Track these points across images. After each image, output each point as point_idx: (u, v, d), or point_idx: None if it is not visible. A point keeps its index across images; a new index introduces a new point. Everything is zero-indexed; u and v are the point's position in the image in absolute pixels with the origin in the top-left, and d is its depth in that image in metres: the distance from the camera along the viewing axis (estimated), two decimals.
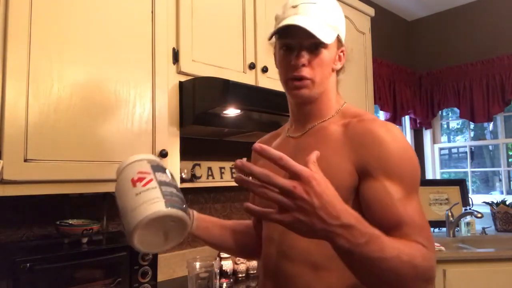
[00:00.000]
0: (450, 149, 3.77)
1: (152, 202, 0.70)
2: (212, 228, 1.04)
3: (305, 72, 0.85)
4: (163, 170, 0.78)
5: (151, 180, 0.73)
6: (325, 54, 0.86)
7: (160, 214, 0.69)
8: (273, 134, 1.10)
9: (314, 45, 0.85)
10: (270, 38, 0.88)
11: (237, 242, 1.08)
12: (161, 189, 0.72)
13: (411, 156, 0.81)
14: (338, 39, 0.90)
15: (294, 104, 0.94)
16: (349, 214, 0.61)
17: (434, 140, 3.69)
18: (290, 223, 0.58)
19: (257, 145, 0.60)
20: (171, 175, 0.82)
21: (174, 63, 1.51)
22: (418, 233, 0.75)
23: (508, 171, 3.35)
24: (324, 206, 0.58)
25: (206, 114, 1.55)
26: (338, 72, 0.94)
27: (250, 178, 0.61)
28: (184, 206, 0.74)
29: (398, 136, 0.81)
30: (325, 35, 0.83)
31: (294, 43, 0.85)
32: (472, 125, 3.63)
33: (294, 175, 0.58)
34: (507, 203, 2.89)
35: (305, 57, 0.85)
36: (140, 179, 0.74)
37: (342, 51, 0.92)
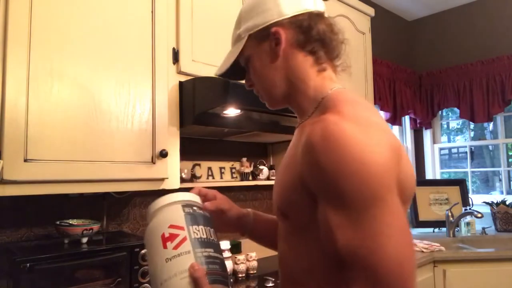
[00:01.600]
0: (450, 149, 3.77)
1: (184, 276, 0.61)
2: (266, 230, 0.96)
3: (254, 89, 0.86)
4: (199, 219, 0.68)
5: (184, 240, 0.63)
6: (251, 65, 0.82)
7: None
8: None
9: (239, 69, 0.86)
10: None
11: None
12: (196, 255, 0.63)
13: (351, 163, 0.59)
14: (258, 34, 0.79)
15: None
16: None
17: (434, 140, 3.69)
18: None
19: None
20: (210, 220, 0.71)
21: (174, 63, 1.51)
22: (356, 275, 0.58)
23: (508, 171, 3.35)
24: None
25: (206, 114, 1.55)
26: (311, 51, 0.77)
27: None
28: (223, 276, 0.65)
29: (336, 138, 0.60)
30: (223, 68, 0.86)
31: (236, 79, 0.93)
32: (472, 125, 3.63)
33: None
34: (507, 203, 2.89)
35: (246, 79, 0.88)
36: (172, 238, 0.64)
37: (274, 33, 0.77)
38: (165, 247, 0.63)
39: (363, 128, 0.62)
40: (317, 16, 0.78)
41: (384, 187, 0.60)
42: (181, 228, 0.65)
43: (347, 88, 0.78)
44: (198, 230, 0.66)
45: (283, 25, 0.76)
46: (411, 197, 0.71)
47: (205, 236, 0.66)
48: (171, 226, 0.65)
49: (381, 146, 0.62)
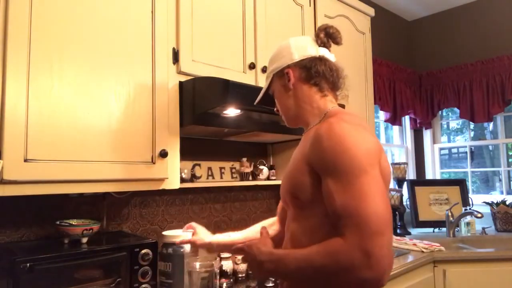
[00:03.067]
0: (450, 149, 3.77)
1: None
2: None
3: (279, 113, 1.17)
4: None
5: None
6: (276, 96, 1.14)
7: None
8: None
9: (273, 94, 1.16)
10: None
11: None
12: None
13: (346, 146, 0.87)
14: (278, 73, 1.11)
15: None
16: (265, 256, 0.94)
17: (434, 140, 3.70)
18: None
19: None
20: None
21: (174, 63, 1.51)
22: (346, 223, 0.82)
23: (508, 171, 3.35)
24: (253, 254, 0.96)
25: (206, 114, 1.55)
26: (315, 83, 1.07)
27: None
28: None
29: (336, 131, 0.89)
30: (260, 96, 1.19)
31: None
32: (472, 125, 3.63)
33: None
34: (507, 203, 2.89)
35: (275, 106, 1.18)
36: None
37: (286, 73, 1.08)
38: None
39: (356, 127, 0.92)
40: (318, 59, 1.07)
41: (368, 164, 0.86)
42: None
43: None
44: None
45: (292, 67, 1.08)
46: (388, 185, 1.01)
47: None
48: None
49: (367, 139, 0.92)
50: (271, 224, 1.32)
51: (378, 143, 0.94)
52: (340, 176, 0.86)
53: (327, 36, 1.09)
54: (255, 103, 1.20)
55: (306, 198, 0.96)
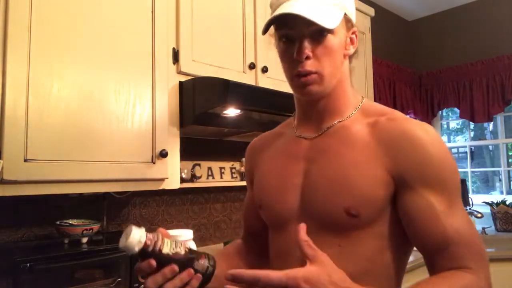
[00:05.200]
0: (450, 149, 3.77)
1: None
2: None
3: (311, 65, 0.73)
4: None
5: None
6: (331, 40, 0.73)
7: None
8: (274, 133, 0.95)
9: (318, 32, 0.72)
10: (264, 32, 0.76)
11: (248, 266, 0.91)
12: None
13: (451, 160, 0.72)
14: (347, 19, 0.76)
15: (304, 100, 0.82)
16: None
17: None
18: None
19: (229, 273, 0.61)
20: None
21: (174, 63, 1.51)
22: (467, 252, 0.68)
23: (508, 171, 3.35)
24: None
25: (206, 114, 1.54)
26: (350, 58, 0.82)
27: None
28: None
29: (437, 138, 0.72)
30: (328, 19, 0.70)
31: (293, 33, 0.73)
32: (472, 125, 3.63)
33: (287, 279, 0.59)
34: (507, 203, 2.89)
35: (308, 48, 0.72)
36: None
37: (353, 33, 0.79)
38: None
39: None
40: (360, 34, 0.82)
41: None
42: None
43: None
44: None
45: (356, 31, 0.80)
46: None
47: None
48: None
49: None
50: (232, 253, 0.97)
51: None
52: (446, 193, 0.70)
53: None
54: (294, 12, 0.70)
55: (369, 216, 0.71)
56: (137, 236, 0.63)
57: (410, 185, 0.70)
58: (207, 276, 0.68)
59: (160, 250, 0.64)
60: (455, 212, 0.69)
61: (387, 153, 0.71)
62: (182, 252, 0.66)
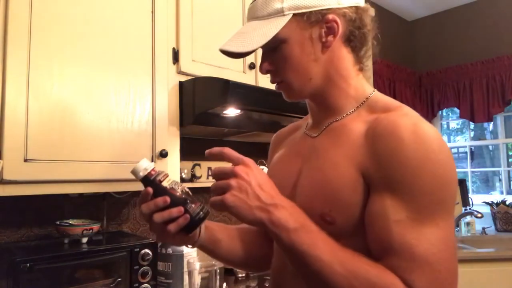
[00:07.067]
0: (450, 149, 3.77)
1: None
2: (222, 240, 0.85)
3: (274, 76, 0.74)
4: None
5: None
6: (285, 48, 0.70)
7: None
8: (294, 126, 0.93)
9: (270, 45, 0.70)
10: (244, 56, 0.75)
11: (247, 254, 0.90)
12: None
13: (441, 171, 0.59)
14: (307, 16, 0.69)
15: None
16: (283, 199, 0.63)
17: None
18: (231, 202, 0.60)
19: (207, 151, 0.67)
20: None
21: (174, 63, 1.51)
22: (415, 269, 0.56)
23: (508, 171, 3.35)
24: (260, 185, 0.62)
25: (206, 114, 1.54)
26: (354, 48, 0.73)
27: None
28: None
29: (428, 140, 0.60)
30: (250, 42, 0.68)
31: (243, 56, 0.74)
32: (472, 125, 3.63)
33: (237, 162, 0.64)
34: (507, 203, 2.89)
35: (266, 63, 0.74)
36: None
37: (331, 20, 0.69)
38: None
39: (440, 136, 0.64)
40: (365, 13, 0.75)
41: (453, 200, 0.61)
42: None
43: None
44: None
45: (339, 14, 0.70)
46: None
47: None
48: None
49: (452, 157, 0.63)
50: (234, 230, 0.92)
51: None
52: (414, 204, 0.59)
53: None
54: (232, 50, 0.70)
55: (346, 224, 0.65)
56: (145, 165, 0.71)
57: (375, 186, 0.62)
58: (195, 221, 0.70)
59: (160, 181, 0.70)
60: (420, 228, 0.58)
61: (368, 152, 0.63)
62: (179, 192, 0.71)
